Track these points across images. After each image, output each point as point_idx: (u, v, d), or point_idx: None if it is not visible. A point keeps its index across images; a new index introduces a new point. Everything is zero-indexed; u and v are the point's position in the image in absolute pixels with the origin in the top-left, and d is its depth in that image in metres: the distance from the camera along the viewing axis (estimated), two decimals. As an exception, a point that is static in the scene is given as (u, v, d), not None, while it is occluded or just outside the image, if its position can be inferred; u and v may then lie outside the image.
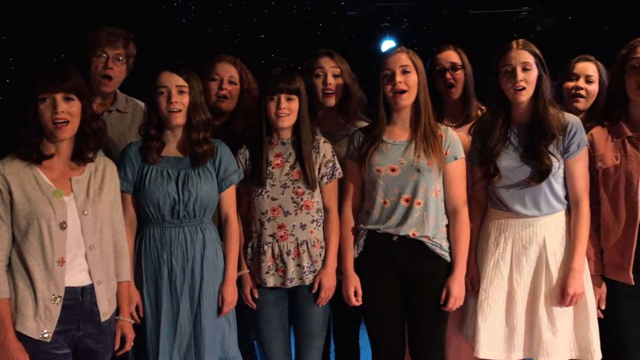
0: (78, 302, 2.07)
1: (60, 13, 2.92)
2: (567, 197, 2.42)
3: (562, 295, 2.35)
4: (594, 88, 2.72)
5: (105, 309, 2.14)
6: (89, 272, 2.10)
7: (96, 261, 2.11)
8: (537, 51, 2.38)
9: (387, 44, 6.42)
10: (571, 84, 2.76)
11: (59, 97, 2.02)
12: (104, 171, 2.20)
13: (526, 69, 2.34)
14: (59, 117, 2.01)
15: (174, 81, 2.33)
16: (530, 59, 2.35)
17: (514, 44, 2.39)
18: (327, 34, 6.28)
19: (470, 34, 5.95)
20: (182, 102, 2.33)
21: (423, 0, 5.97)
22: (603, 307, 2.44)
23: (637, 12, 5.70)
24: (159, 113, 2.36)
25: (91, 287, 2.10)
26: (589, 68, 2.75)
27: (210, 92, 2.71)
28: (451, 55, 2.81)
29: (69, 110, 2.04)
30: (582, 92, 2.72)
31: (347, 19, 6.36)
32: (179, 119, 2.34)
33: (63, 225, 2.03)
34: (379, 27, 6.42)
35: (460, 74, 2.78)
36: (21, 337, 1.98)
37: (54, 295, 2.01)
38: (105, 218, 2.16)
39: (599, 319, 2.43)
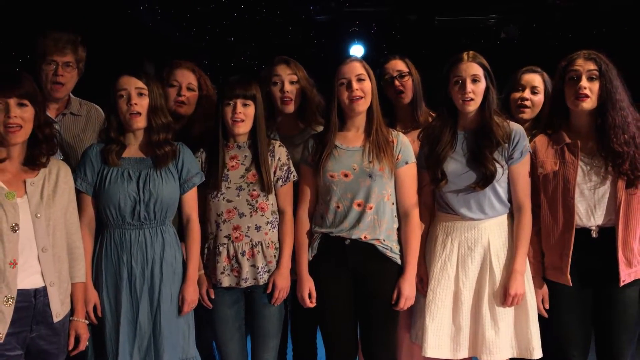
0: (31, 304, 2.10)
1: (19, 16, 2.94)
2: (510, 201, 2.53)
3: (504, 295, 2.44)
4: (539, 98, 2.83)
5: (58, 310, 2.17)
6: (42, 274, 2.13)
7: (49, 263, 2.14)
8: (486, 64, 2.48)
9: (356, 49, 6.52)
10: (517, 95, 2.87)
11: (12, 102, 2.05)
12: (57, 174, 2.23)
13: (475, 80, 2.44)
14: (11, 122, 2.05)
15: (133, 84, 2.38)
16: (479, 71, 2.44)
17: (464, 55, 2.48)
18: (297, 38, 6.36)
19: (436, 40, 6.09)
20: (141, 104, 2.38)
21: (390, 6, 6.07)
22: (547, 307, 2.54)
23: (598, 21, 5.88)
24: (119, 116, 2.41)
25: (44, 289, 2.13)
26: (535, 79, 2.86)
27: (169, 98, 2.76)
28: (398, 64, 2.92)
29: (22, 115, 2.07)
30: (528, 103, 2.83)
31: (317, 24, 6.43)
32: (140, 122, 2.39)
33: (15, 228, 2.06)
34: (347, 31, 6.51)
35: (408, 80, 2.89)
36: (-27, 339, 2.01)
37: (6, 296, 2.04)
38: (58, 220, 2.19)
39: (543, 319, 2.53)
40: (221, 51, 6.13)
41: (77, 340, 2.27)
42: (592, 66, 2.38)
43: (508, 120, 2.51)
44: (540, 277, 2.53)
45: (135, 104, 2.36)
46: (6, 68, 2.20)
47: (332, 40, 6.52)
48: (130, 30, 4.27)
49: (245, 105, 2.51)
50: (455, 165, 2.49)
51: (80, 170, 2.40)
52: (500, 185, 2.48)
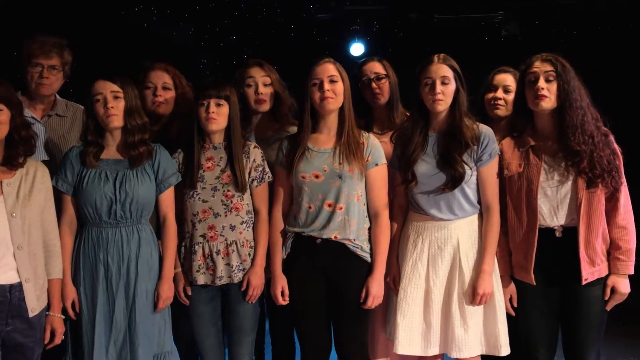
0: (6, 299, 2.20)
1: (11, 18, 3.04)
2: (480, 202, 2.57)
3: (473, 294, 2.49)
4: (511, 97, 2.85)
5: (34, 305, 2.26)
6: (17, 271, 2.22)
7: (24, 260, 2.23)
8: (456, 66, 2.52)
9: (356, 47, 6.55)
10: (491, 95, 2.91)
11: None
12: (34, 175, 2.33)
13: (444, 82, 2.48)
14: None
15: (108, 87, 2.45)
16: (449, 73, 2.49)
17: (435, 57, 2.52)
18: (298, 36, 6.39)
19: (436, 38, 6.09)
20: (117, 106, 2.46)
21: (390, 4, 6.09)
22: (516, 305, 2.58)
23: (600, 17, 5.85)
24: (97, 119, 2.49)
25: (19, 284, 2.23)
26: (507, 79, 2.89)
27: (147, 100, 2.83)
28: (375, 66, 2.96)
29: None
30: (500, 102, 2.87)
31: (318, 22, 6.46)
32: (116, 122, 2.47)
33: None
34: (348, 30, 6.53)
35: (384, 82, 2.93)
36: (-50, 332, 2.11)
37: (-19, 292, 2.14)
38: (34, 219, 2.28)
39: (511, 317, 2.57)
40: (222, 50, 6.19)
41: (53, 334, 2.36)
42: (549, 67, 2.43)
43: (477, 123, 2.55)
44: (508, 276, 2.57)
45: (112, 107, 2.44)
46: None
47: (333, 38, 6.54)
48: (127, 31, 4.35)
49: (218, 105, 2.57)
50: (425, 167, 2.54)
51: (61, 172, 2.49)
52: (469, 186, 2.52)
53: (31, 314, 2.26)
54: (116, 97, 2.46)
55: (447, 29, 6.24)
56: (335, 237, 2.56)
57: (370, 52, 6.43)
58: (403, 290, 2.57)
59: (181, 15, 5.26)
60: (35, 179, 2.32)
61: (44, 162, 2.67)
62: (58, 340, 2.38)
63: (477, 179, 2.53)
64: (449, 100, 2.49)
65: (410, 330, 2.55)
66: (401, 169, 2.59)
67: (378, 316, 2.76)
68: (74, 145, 2.59)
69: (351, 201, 2.57)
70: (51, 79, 2.76)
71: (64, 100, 2.93)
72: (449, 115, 2.53)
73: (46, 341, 2.35)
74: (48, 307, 2.36)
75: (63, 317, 2.40)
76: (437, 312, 2.54)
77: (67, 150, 2.58)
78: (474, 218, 2.57)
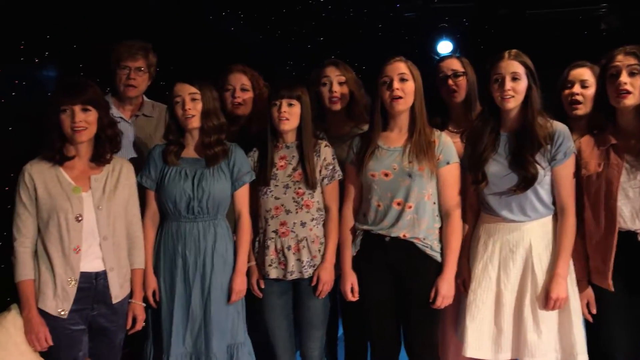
0: (92, 285, 2.38)
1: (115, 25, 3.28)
2: (554, 203, 2.47)
3: (546, 299, 2.40)
4: (590, 92, 2.70)
5: (117, 292, 2.44)
6: (103, 260, 2.40)
7: (109, 250, 2.41)
8: (529, 62, 2.44)
9: (444, 45, 6.45)
10: (567, 91, 2.77)
11: (77, 108, 2.34)
12: (120, 171, 2.50)
13: (515, 78, 2.41)
14: (77, 125, 2.33)
15: (186, 90, 2.59)
16: (520, 69, 2.41)
17: (505, 53, 2.46)
18: (385, 36, 6.39)
19: (528, 35, 5.88)
20: (195, 108, 2.59)
21: (478, 1, 5.95)
22: (594, 312, 2.46)
23: None
24: (177, 120, 2.63)
25: (104, 272, 2.40)
26: (583, 73, 2.75)
27: (226, 102, 2.96)
28: (453, 63, 2.92)
29: (86, 119, 2.35)
30: (579, 98, 2.73)
31: (404, 21, 6.42)
32: (194, 122, 2.60)
33: (79, 218, 2.34)
34: (436, 28, 6.46)
35: (462, 80, 2.89)
36: (43, 314, 2.31)
37: (69, 278, 2.33)
38: (119, 213, 2.45)
39: (590, 325, 2.46)
40: (308, 52, 6.30)
41: (135, 320, 2.53)
42: (632, 61, 2.29)
43: (552, 121, 2.45)
44: (585, 280, 2.46)
45: (189, 108, 2.57)
46: (72, 78, 2.49)
47: (420, 37, 6.48)
48: (214, 35, 4.52)
49: (290, 105, 2.65)
50: (496, 167, 2.48)
51: (145, 169, 2.66)
52: (542, 187, 2.43)
53: (114, 301, 2.43)
54: (194, 99, 2.58)
55: (540, 24, 6.02)
56: (404, 236, 2.56)
57: (459, 50, 6.32)
58: (473, 292, 2.53)
59: (268, 19, 5.40)
60: (120, 175, 2.49)
61: (132, 159, 2.88)
62: (139, 326, 2.54)
63: (551, 179, 2.44)
64: (519, 97, 2.42)
65: (480, 333, 2.50)
66: (471, 168, 2.54)
67: (449, 317, 2.73)
68: (157, 144, 2.75)
69: (421, 200, 2.55)
70: (138, 80, 2.94)
71: (150, 101, 3.12)
72: (520, 114, 2.45)
73: (128, 327, 2.52)
74: (130, 295, 2.53)
75: (144, 305, 2.56)
76: (508, 316, 2.48)
77: (151, 149, 2.74)
78: (548, 219, 2.47)
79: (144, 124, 3.05)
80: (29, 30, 2.95)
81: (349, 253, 2.68)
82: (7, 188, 2.66)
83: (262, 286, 2.74)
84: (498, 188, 2.48)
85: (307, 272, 2.68)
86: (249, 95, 3.00)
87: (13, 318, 2.29)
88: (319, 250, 2.70)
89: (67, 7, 3.14)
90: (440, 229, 2.61)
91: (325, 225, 2.72)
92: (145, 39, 3.02)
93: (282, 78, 2.78)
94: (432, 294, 2.55)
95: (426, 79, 2.68)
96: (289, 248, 2.67)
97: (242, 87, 2.99)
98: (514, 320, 2.48)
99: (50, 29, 3.06)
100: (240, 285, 2.64)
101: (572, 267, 2.45)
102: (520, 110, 2.45)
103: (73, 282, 2.33)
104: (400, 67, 2.57)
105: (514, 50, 2.47)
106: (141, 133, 3.03)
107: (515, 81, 2.40)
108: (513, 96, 2.40)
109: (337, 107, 2.93)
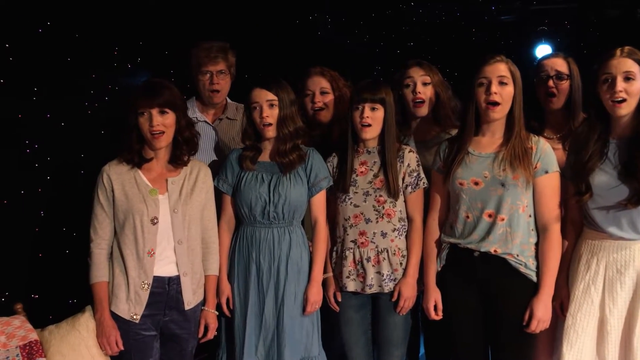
0: (165, 290, 2.32)
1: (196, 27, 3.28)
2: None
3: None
4: None
5: (190, 298, 2.37)
6: (177, 264, 2.34)
7: (183, 255, 2.35)
8: None
9: (543, 49, 6.09)
10: None
11: (154, 111, 2.30)
12: (197, 174, 2.45)
13: (629, 78, 2.15)
14: (154, 129, 2.29)
15: (264, 96, 2.50)
16: (634, 68, 2.16)
17: (617, 51, 2.21)
18: (480, 40, 6.13)
19: (638, 37, 5.42)
20: (272, 115, 2.49)
21: (581, 2, 5.56)
22: None
23: None
24: (254, 125, 2.55)
25: (177, 277, 2.34)
26: None
27: (307, 107, 2.85)
28: (558, 63, 2.66)
29: (164, 122, 2.31)
30: None
31: (501, 24, 6.14)
32: (270, 132, 2.51)
33: (154, 221, 2.30)
34: (535, 31, 6.12)
35: (565, 84, 2.62)
36: (115, 317, 2.28)
37: (143, 282, 2.28)
38: (194, 216, 2.39)
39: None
40: (397, 57, 6.13)
41: (207, 328, 2.45)
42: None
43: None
44: None
45: (267, 115, 2.48)
46: (150, 81, 2.45)
47: (517, 40, 6.16)
48: (302, 39, 4.46)
49: (373, 109, 2.49)
50: (603, 178, 2.21)
51: (222, 173, 2.60)
52: (659, 201, 2.14)
53: (187, 307, 2.36)
54: (272, 106, 2.49)
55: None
56: (496, 251, 2.34)
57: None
58: (572, 316, 2.27)
59: (356, 23, 5.28)
60: (197, 179, 2.44)
61: (214, 162, 2.83)
62: (211, 335, 2.47)
63: (669, 193, 2.15)
64: (633, 101, 2.15)
65: (580, 363, 2.23)
66: (574, 179, 2.28)
67: (543, 342, 2.46)
68: (234, 149, 2.68)
69: (515, 212, 2.32)
70: (221, 84, 2.89)
71: (234, 103, 3.07)
72: (633, 118, 2.18)
73: (200, 335, 2.45)
74: (203, 301, 2.45)
75: (217, 313, 2.49)
76: (614, 346, 2.21)
77: (228, 153, 2.68)
78: (663, 238, 2.17)
79: (227, 126, 3.01)
80: (122, 37, 2.98)
81: (434, 267, 2.49)
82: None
83: (340, 299, 2.59)
84: (605, 201, 2.21)
85: (388, 287, 2.51)
86: (329, 97, 2.87)
87: (86, 320, 2.27)
88: (401, 264, 2.52)
89: (159, 13, 3.16)
90: (536, 244, 2.36)
91: (408, 236, 2.54)
92: (235, 46, 2.98)
93: (365, 79, 2.60)
94: (526, 317, 2.31)
95: (522, 83, 2.43)
96: (368, 259, 2.51)
97: (321, 90, 2.86)
98: (619, 350, 2.21)
99: (142, 36, 3.09)
100: (315, 295, 2.51)
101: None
102: (633, 114, 2.18)
103: (146, 286, 2.28)
104: (500, 69, 2.35)
105: (627, 47, 2.21)
106: (224, 136, 2.99)
107: (629, 81, 2.14)
108: (625, 99, 2.14)
109: (422, 111, 2.74)
